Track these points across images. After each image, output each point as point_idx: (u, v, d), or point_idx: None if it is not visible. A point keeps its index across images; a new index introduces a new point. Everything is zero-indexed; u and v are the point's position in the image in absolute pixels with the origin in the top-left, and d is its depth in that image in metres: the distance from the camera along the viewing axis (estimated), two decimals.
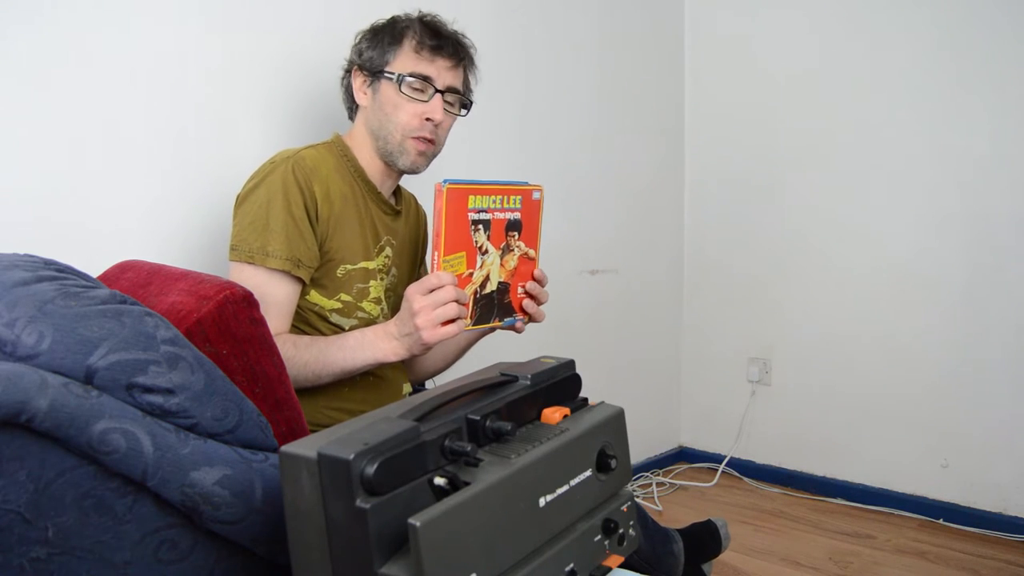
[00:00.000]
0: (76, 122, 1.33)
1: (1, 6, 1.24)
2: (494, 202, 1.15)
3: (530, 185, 1.20)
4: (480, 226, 1.14)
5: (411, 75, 1.28)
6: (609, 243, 2.50)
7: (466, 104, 1.37)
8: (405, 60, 1.29)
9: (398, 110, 1.29)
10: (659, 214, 2.72)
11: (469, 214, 1.12)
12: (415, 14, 1.33)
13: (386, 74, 1.29)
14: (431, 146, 1.32)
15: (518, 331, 1.26)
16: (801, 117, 2.50)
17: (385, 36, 1.31)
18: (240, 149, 1.53)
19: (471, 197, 1.12)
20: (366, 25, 1.37)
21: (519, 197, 1.19)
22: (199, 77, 1.48)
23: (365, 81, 1.34)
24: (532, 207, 1.21)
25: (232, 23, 1.52)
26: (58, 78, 1.30)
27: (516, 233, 1.20)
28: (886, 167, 2.33)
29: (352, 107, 1.39)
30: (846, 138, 2.40)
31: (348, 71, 1.37)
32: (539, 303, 1.25)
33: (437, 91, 1.29)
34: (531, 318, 1.25)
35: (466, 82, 1.37)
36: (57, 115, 1.31)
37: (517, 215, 1.19)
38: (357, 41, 1.36)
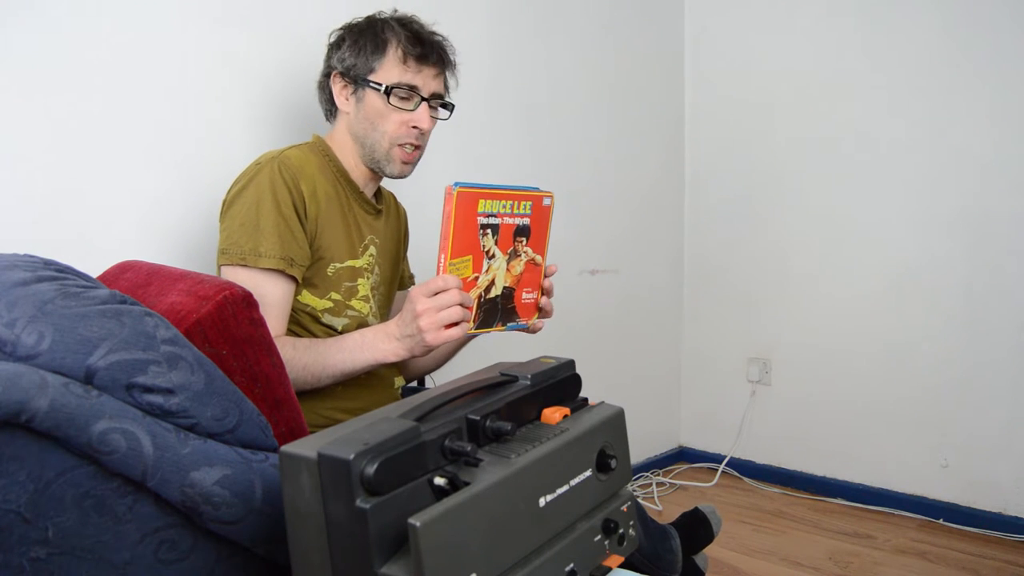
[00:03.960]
0: (76, 122, 1.33)
1: (3, 5, 1.24)
2: (504, 207, 1.15)
3: (541, 191, 1.20)
4: (488, 230, 1.13)
5: (398, 86, 1.28)
6: (609, 243, 2.50)
7: (447, 106, 1.37)
8: (391, 70, 1.28)
9: (385, 120, 1.29)
10: (659, 214, 2.72)
11: (478, 218, 1.11)
12: (388, 13, 1.32)
13: (372, 84, 1.29)
14: (417, 152, 1.34)
15: (534, 331, 1.27)
16: (801, 117, 2.50)
17: (367, 43, 1.30)
18: (240, 149, 1.53)
19: (481, 201, 1.11)
20: (337, 24, 1.35)
21: (530, 203, 1.18)
22: (199, 77, 1.48)
23: (347, 87, 1.33)
24: (542, 213, 1.21)
25: (232, 24, 1.52)
26: (57, 78, 1.30)
27: (524, 239, 1.19)
28: (886, 168, 2.33)
29: (331, 110, 1.38)
30: (846, 139, 2.40)
31: (327, 75, 1.36)
32: (547, 314, 1.27)
33: (423, 99, 1.30)
34: (535, 322, 1.26)
35: (447, 85, 1.37)
36: (57, 115, 1.31)
37: (527, 221, 1.18)
38: (334, 41, 1.35)
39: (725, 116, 2.69)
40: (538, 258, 1.22)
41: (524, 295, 1.23)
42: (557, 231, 2.33)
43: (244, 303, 0.90)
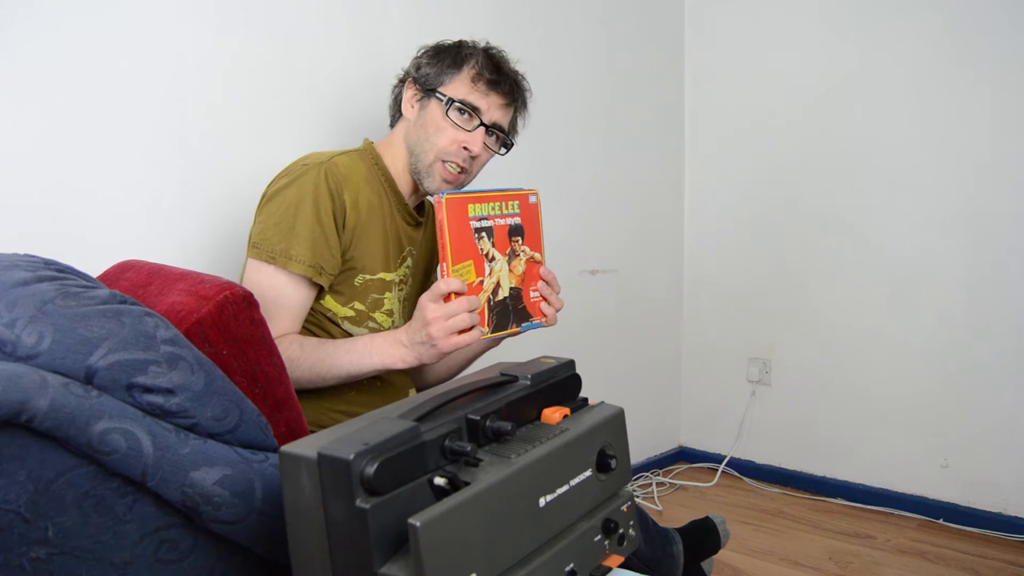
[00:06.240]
0: (77, 122, 1.33)
1: (3, 5, 1.24)
2: (493, 209, 1.17)
3: (525, 190, 1.22)
4: (483, 233, 1.15)
5: (461, 102, 1.28)
6: (609, 243, 2.50)
7: (507, 144, 1.37)
8: (460, 86, 1.29)
9: (440, 132, 1.28)
10: (659, 214, 2.72)
11: (471, 222, 1.13)
12: (483, 43, 1.34)
13: (437, 94, 1.29)
14: (461, 176, 1.32)
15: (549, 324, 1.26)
16: (801, 116, 2.50)
17: (447, 57, 1.31)
18: (242, 150, 1.53)
19: (470, 206, 1.13)
20: (431, 41, 1.37)
21: (516, 202, 1.20)
22: (202, 78, 1.48)
23: (416, 95, 1.33)
24: (531, 211, 1.22)
25: (235, 25, 1.52)
26: (57, 78, 1.30)
27: (519, 238, 1.21)
28: (886, 167, 2.33)
29: (396, 116, 1.39)
30: (846, 138, 2.40)
31: (402, 81, 1.37)
32: (553, 306, 1.24)
33: (482, 124, 1.29)
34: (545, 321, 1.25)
35: (513, 123, 1.37)
36: (58, 115, 1.31)
37: (517, 220, 1.20)
38: (419, 55, 1.36)
39: (725, 115, 2.69)
40: (537, 256, 1.24)
41: (532, 294, 1.24)
42: (557, 231, 2.33)
43: (244, 303, 0.90)
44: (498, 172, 2.09)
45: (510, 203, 1.19)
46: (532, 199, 1.22)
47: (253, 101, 1.56)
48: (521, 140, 2.19)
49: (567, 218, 2.32)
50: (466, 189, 1.14)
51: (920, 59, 2.24)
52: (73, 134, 1.32)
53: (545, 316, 1.24)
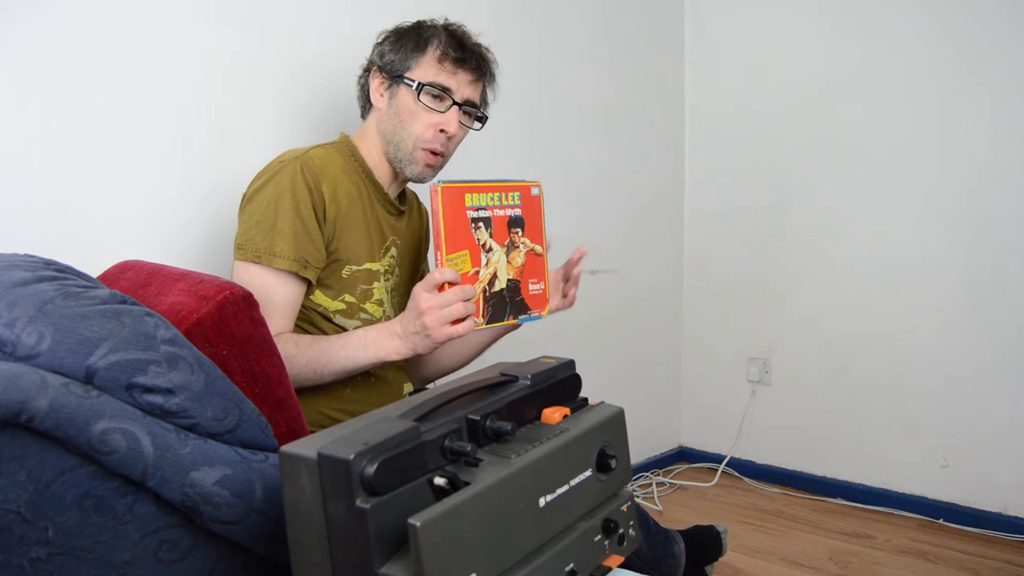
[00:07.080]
0: (77, 123, 1.33)
1: (2, 5, 1.24)
2: (492, 199, 1.16)
3: (527, 181, 1.21)
4: (481, 224, 1.14)
5: (431, 85, 1.27)
6: (609, 243, 2.50)
7: (481, 118, 1.36)
8: (427, 69, 1.28)
9: (414, 119, 1.28)
10: (659, 214, 2.72)
11: (467, 212, 1.13)
12: (441, 21, 1.33)
13: (406, 80, 1.28)
14: (440, 158, 1.32)
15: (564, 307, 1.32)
16: (801, 117, 2.50)
17: (409, 41, 1.30)
18: (241, 149, 1.53)
19: (468, 195, 1.12)
20: (390, 25, 1.35)
21: (517, 193, 1.19)
22: (202, 77, 1.48)
23: (383, 83, 1.32)
24: (532, 203, 1.21)
25: (234, 24, 1.52)
26: (57, 78, 1.30)
27: (519, 230, 1.20)
28: (886, 167, 2.33)
29: (366, 106, 1.38)
30: (846, 139, 2.40)
31: (367, 70, 1.36)
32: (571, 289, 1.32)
33: (455, 103, 1.28)
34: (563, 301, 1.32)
35: (483, 96, 1.36)
36: (58, 115, 1.31)
37: (518, 211, 1.19)
38: (380, 41, 1.35)
39: (725, 115, 2.69)
40: (538, 248, 1.23)
41: (531, 286, 1.23)
42: (558, 232, 2.32)
43: (244, 303, 0.90)
44: (499, 173, 2.10)
45: (510, 194, 1.18)
46: (534, 191, 1.22)
47: (254, 100, 1.56)
48: (522, 139, 2.20)
49: (567, 218, 2.32)
50: (464, 178, 1.13)
51: (920, 59, 2.24)
52: (73, 134, 1.32)
53: (542, 309, 1.25)
